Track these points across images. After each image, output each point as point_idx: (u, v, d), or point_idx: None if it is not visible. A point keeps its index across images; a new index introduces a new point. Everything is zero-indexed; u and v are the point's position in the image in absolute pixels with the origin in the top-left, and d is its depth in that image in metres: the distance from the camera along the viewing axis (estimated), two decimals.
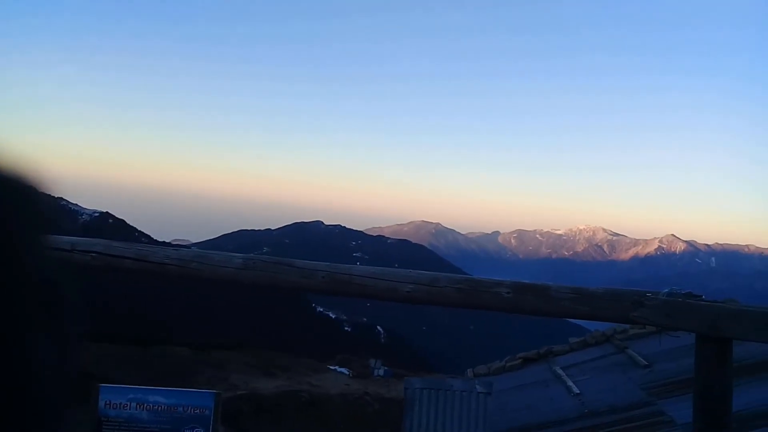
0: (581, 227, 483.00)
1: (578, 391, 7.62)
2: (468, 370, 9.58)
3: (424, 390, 5.78)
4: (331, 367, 32.63)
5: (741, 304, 2.92)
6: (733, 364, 2.76)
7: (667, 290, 2.80)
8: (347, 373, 32.37)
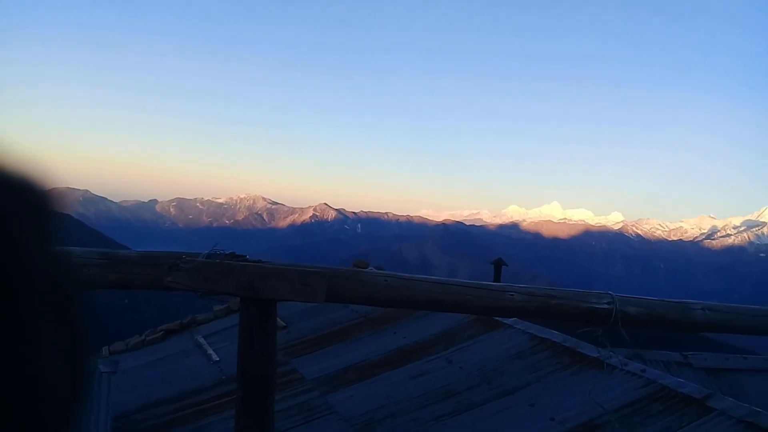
0: (242, 196, 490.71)
1: (218, 359, 7.55)
2: (103, 348, 8.80)
3: None
4: None
5: (279, 263, 2.93)
6: (277, 326, 2.79)
7: (206, 252, 2.70)
8: None
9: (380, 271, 2.74)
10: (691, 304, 1.81)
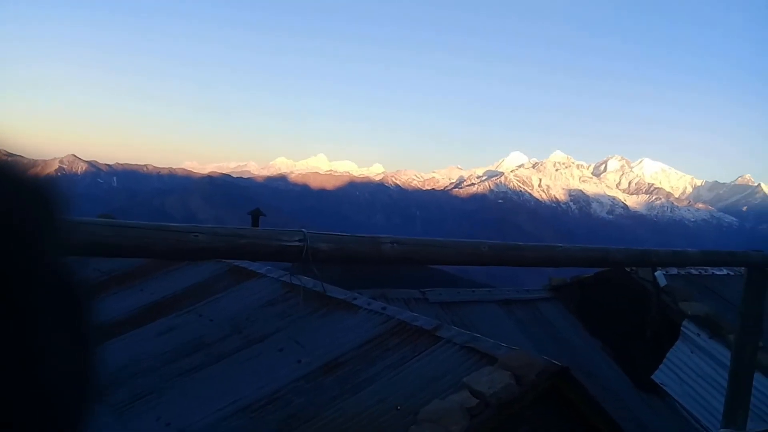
0: None
1: None
2: None
3: None
4: None
5: None
6: None
7: None
8: None
9: None
10: (381, 239, 1.93)
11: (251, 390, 4.93)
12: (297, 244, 1.73)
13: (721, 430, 3.67)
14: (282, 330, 5.82)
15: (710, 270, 9.61)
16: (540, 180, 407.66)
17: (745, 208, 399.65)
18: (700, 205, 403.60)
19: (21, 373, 0.60)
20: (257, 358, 5.41)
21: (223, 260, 7.31)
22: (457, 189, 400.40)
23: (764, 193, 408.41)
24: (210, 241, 1.60)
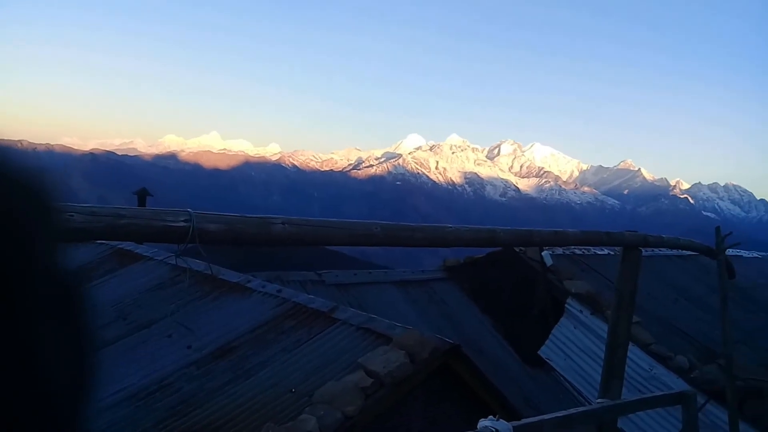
0: None
1: None
2: None
3: None
4: None
5: None
6: None
7: None
8: None
9: None
10: (272, 219, 1.89)
11: (137, 378, 4.73)
12: (182, 224, 1.65)
13: (598, 400, 3.90)
14: (171, 315, 5.61)
15: (592, 250, 10.19)
16: (437, 162, 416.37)
17: (626, 191, 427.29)
18: (586, 189, 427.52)
19: (19, 371, 0.58)
20: (144, 345, 5.19)
21: (105, 242, 6.93)
22: (355, 170, 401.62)
23: (644, 177, 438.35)
24: (86, 221, 1.48)
